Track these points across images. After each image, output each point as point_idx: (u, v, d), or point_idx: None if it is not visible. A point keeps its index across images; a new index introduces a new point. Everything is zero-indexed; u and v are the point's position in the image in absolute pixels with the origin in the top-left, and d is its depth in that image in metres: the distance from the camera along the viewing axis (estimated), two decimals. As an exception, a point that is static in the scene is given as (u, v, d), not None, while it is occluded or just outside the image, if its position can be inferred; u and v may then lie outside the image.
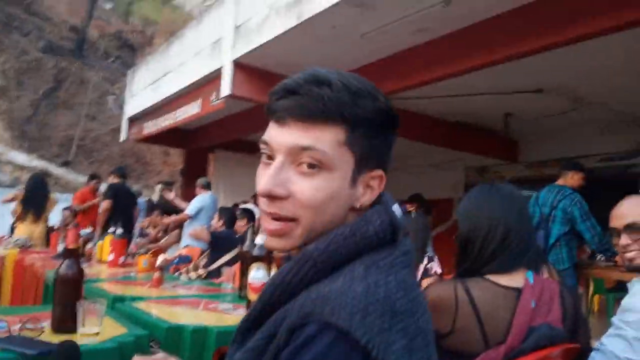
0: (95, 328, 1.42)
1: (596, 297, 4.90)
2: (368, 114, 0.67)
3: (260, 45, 4.83)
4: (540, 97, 5.76)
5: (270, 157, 0.69)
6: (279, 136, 0.67)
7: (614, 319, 1.41)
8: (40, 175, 6.25)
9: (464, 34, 4.15)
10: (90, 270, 2.95)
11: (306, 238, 0.67)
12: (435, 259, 2.76)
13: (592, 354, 1.38)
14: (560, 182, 3.80)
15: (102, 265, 3.28)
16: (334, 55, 4.85)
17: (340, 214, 0.68)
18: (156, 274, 2.44)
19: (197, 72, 6.36)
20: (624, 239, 1.51)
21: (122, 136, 9.49)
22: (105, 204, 5.77)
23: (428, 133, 7.07)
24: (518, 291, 1.18)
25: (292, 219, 0.67)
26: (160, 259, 2.63)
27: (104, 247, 3.41)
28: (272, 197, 0.66)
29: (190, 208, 5.15)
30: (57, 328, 1.50)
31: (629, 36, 3.62)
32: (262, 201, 0.68)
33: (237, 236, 3.84)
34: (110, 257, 3.15)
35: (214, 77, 5.85)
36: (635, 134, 6.68)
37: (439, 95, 5.78)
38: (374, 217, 0.68)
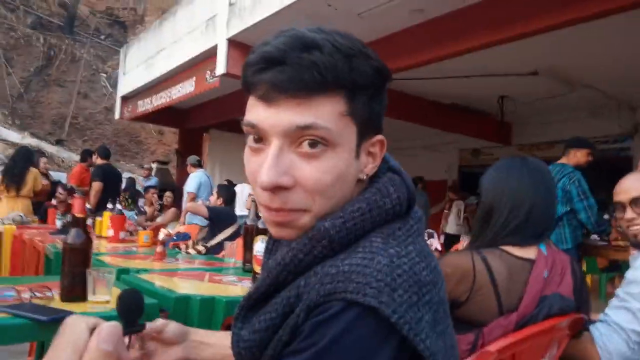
0: (105, 296, 1.44)
1: (589, 277, 4.99)
2: (366, 77, 0.60)
3: (255, 23, 4.79)
4: (534, 80, 5.79)
5: (260, 140, 0.60)
6: (270, 117, 0.58)
7: (619, 291, 1.44)
8: (25, 148, 6.04)
9: (460, 15, 4.15)
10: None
11: (316, 222, 0.61)
12: (435, 235, 2.84)
13: (597, 325, 1.41)
14: (562, 160, 3.75)
15: (102, 240, 3.29)
16: (333, 34, 4.83)
17: (347, 191, 0.62)
18: (159, 248, 2.46)
19: (191, 50, 6.30)
20: (629, 213, 1.53)
21: (116, 114, 9.42)
22: (96, 186, 5.77)
23: (423, 115, 7.09)
24: (531, 262, 1.20)
25: (300, 210, 0.60)
26: (162, 233, 2.65)
27: (103, 223, 3.42)
28: (276, 189, 0.58)
29: (191, 185, 5.19)
30: (65, 296, 1.51)
31: (623, 20, 3.65)
32: (263, 195, 0.60)
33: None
34: (110, 232, 3.16)
35: (208, 56, 5.81)
36: (627, 117, 6.76)
37: (434, 77, 5.78)
38: (390, 190, 0.63)
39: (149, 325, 0.87)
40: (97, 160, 6.19)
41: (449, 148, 9.08)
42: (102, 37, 17.28)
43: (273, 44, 0.58)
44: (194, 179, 5.32)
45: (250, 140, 0.62)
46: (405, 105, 6.82)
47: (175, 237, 3.78)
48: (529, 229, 1.23)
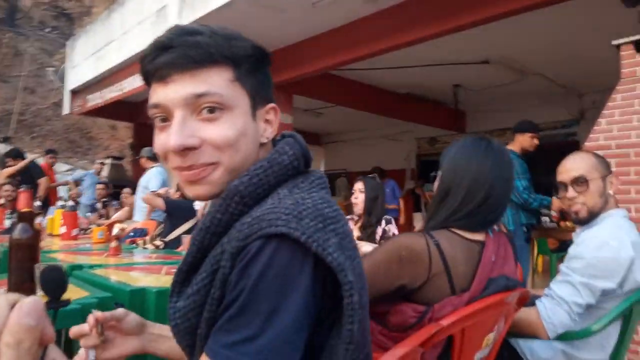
0: (56, 291, 1.40)
1: (540, 258, 5.19)
2: (246, 51, 0.70)
3: (208, 13, 4.69)
4: (486, 69, 5.96)
5: (165, 120, 0.69)
6: (169, 93, 0.67)
7: (562, 266, 1.51)
8: None
9: (413, 5, 4.21)
10: (42, 243, 2.85)
11: (227, 181, 0.69)
12: (393, 221, 2.90)
13: (542, 299, 1.48)
14: (509, 146, 3.78)
15: (55, 238, 3.17)
16: (284, 25, 4.80)
17: (252, 150, 0.71)
18: (113, 243, 2.39)
19: (142, 41, 6.12)
20: (571, 192, 1.60)
21: (65, 109, 9.05)
22: (45, 182, 5.84)
23: (379, 104, 7.17)
24: (481, 244, 1.21)
25: (211, 164, 0.68)
26: (117, 228, 2.58)
27: (55, 221, 3.30)
28: (185, 150, 0.66)
29: (155, 182, 4.72)
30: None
31: (569, 9, 3.79)
32: (174, 159, 0.68)
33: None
34: (63, 229, 3.05)
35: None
36: (574, 104, 7.05)
37: (390, 67, 5.86)
38: (286, 148, 0.72)
39: (110, 313, 0.86)
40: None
41: (406, 137, 9.23)
42: (48, 29, 16.53)
43: (162, 36, 0.68)
44: (157, 175, 4.82)
45: (157, 122, 0.70)
46: (362, 95, 6.89)
47: (132, 234, 3.69)
48: (481, 215, 1.22)
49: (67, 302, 0.74)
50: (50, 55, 15.66)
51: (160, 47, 0.67)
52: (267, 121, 0.75)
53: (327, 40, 5.00)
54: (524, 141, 3.74)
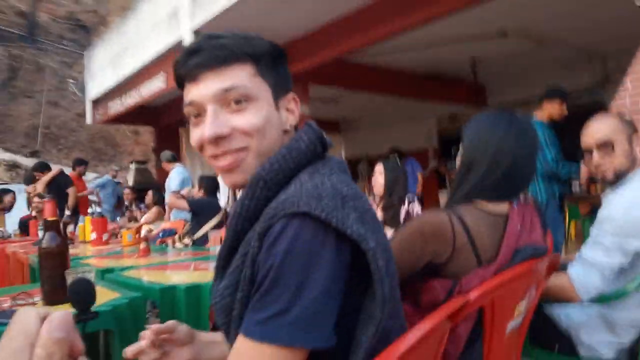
0: (88, 295, 1.43)
1: (572, 223, 5.08)
2: (265, 49, 0.78)
3: (220, 13, 4.71)
4: (504, 41, 5.81)
5: (199, 115, 0.77)
6: (201, 91, 0.75)
7: (592, 229, 1.48)
8: None
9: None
10: (75, 250, 2.93)
11: (258, 165, 0.75)
12: (416, 200, 2.87)
13: (573, 263, 1.46)
14: (536, 114, 3.67)
15: (87, 245, 3.25)
16: (295, 16, 4.78)
17: (277, 136, 0.79)
18: (142, 245, 2.44)
19: (157, 45, 6.19)
20: (596, 156, 1.56)
21: (88, 119, 9.25)
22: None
23: (396, 86, 7.09)
24: (505, 217, 1.20)
25: (242, 148, 0.76)
26: (145, 230, 2.62)
27: (85, 228, 3.38)
28: (218, 139, 0.75)
29: (174, 183, 4.87)
30: (48, 300, 1.49)
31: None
32: (210, 148, 0.76)
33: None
34: (93, 235, 3.12)
35: (176, 49, 5.70)
36: (597, 69, 6.82)
37: (405, 47, 5.77)
38: (302, 135, 0.78)
39: (164, 325, 0.87)
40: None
41: (427, 116, 9.11)
42: (66, 42, 16.87)
43: (191, 44, 0.78)
44: (177, 175, 4.99)
45: (191, 119, 0.78)
46: (381, 79, 6.82)
47: (161, 234, 3.75)
48: (506, 186, 1.20)
49: (96, 314, 0.75)
50: (70, 67, 16.00)
51: (191, 52, 0.76)
52: (288, 110, 0.82)
53: (340, 26, 4.96)
54: (552, 109, 3.59)
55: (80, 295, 0.73)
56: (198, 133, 0.77)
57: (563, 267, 1.43)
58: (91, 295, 0.75)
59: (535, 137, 1.27)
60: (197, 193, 3.99)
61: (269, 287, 0.63)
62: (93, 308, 1.39)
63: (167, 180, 5.00)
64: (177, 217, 4.70)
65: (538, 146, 1.33)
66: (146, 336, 0.85)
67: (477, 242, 1.14)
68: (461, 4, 4.01)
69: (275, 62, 0.80)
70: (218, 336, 0.92)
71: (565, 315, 1.53)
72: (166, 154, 5.14)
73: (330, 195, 0.67)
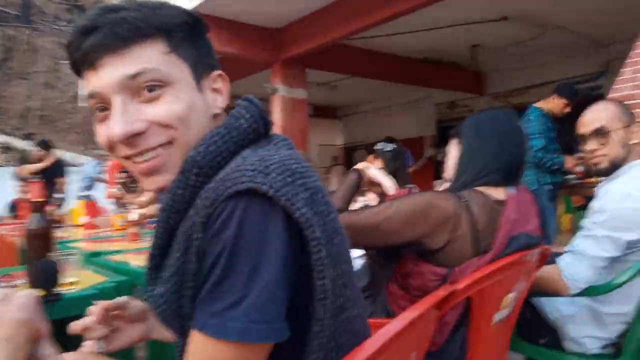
0: (72, 278, 1.41)
1: (565, 216, 5.08)
2: (177, 19, 0.65)
3: (216, -6, 4.62)
4: (504, 26, 5.74)
5: (104, 109, 0.64)
6: (103, 79, 0.62)
7: (584, 222, 1.45)
8: None
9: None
10: (64, 233, 2.91)
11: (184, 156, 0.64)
12: (417, 190, 2.83)
13: (563, 255, 1.44)
14: (539, 102, 3.69)
15: (77, 228, 3.23)
16: (293, -4, 4.70)
17: (205, 123, 0.67)
18: (131, 229, 2.41)
19: (76, 24, 6.07)
20: (591, 144, 1.54)
21: (82, 102, 9.18)
22: (62, 182, 5.99)
23: (395, 72, 7.02)
24: (502, 203, 1.22)
25: (164, 144, 0.64)
26: (135, 214, 2.60)
27: (77, 211, 3.36)
28: (132, 136, 0.63)
29: None
30: (34, 284, 1.48)
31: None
32: (122, 148, 0.64)
33: None
34: (83, 219, 3.10)
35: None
36: (598, 56, 6.77)
37: (404, 31, 5.70)
38: (242, 112, 0.68)
39: (115, 301, 0.85)
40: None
41: (425, 103, 9.05)
42: (62, 23, 16.69)
43: (84, 18, 0.63)
44: None
45: (97, 113, 0.65)
46: (378, 64, 6.75)
47: (155, 220, 3.72)
48: (507, 172, 1.27)
49: (59, 295, 0.73)
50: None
51: (84, 30, 0.62)
52: (215, 90, 0.70)
53: (337, 9, 4.88)
54: (556, 105, 3.63)
55: (43, 277, 0.71)
56: (105, 130, 0.64)
57: (554, 260, 1.41)
58: (54, 278, 0.72)
59: (523, 131, 1.38)
60: None
61: (221, 276, 0.55)
62: (79, 288, 1.37)
63: None
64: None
65: (526, 139, 1.40)
66: (94, 312, 0.80)
67: (480, 232, 1.15)
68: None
69: (192, 35, 0.68)
70: None
71: (554, 308, 1.52)
72: None
73: (279, 170, 0.58)
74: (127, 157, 0.65)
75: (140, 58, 0.62)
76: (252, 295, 0.55)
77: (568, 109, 3.62)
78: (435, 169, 8.44)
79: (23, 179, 5.56)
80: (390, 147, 2.94)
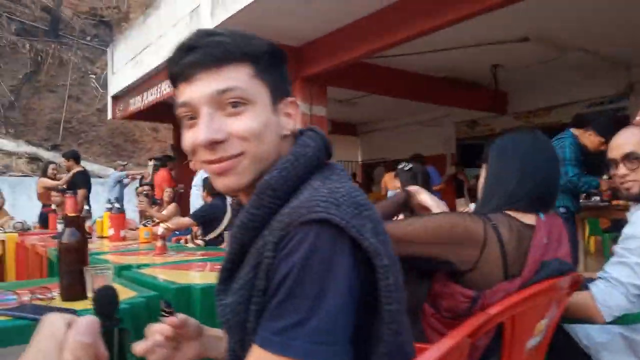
0: (105, 292, 1.44)
1: (592, 238, 4.98)
2: (264, 49, 0.74)
3: (241, 10, 4.71)
4: (526, 47, 5.73)
5: (192, 118, 0.72)
6: (195, 91, 0.71)
7: (616, 248, 1.43)
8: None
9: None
10: (92, 245, 2.97)
11: (254, 171, 0.72)
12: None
13: (596, 282, 1.41)
14: (575, 130, 3.49)
15: (104, 240, 3.29)
16: (315, 17, 4.77)
17: (275, 142, 0.74)
18: (158, 243, 2.46)
19: (178, 43, 6.22)
20: (622, 169, 1.53)
21: (109, 115, 9.37)
22: (83, 193, 6.05)
23: (415, 90, 7.03)
24: (532, 228, 1.20)
25: (238, 154, 0.71)
26: (161, 228, 2.64)
27: (104, 223, 3.42)
28: (213, 144, 0.70)
29: (198, 181, 4.90)
30: (66, 296, 1.51)
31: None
32: (204, 153, 0.72)
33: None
34: (111, 231, 3.15)
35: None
36: (621, 77, 6.71)
37: (425, 51, 5.73)
38: (308, 141, 0.75)
39: (174, 319, 0.86)
40: (73, 166, 6.44)
41: (445, 122, 9.04)
42: (88, 38, 17.12)
43: (185, 39, 0.73)
44: (201, 173, 4.97)
45: (185, 121, 0.74)
46: (398, 82, 6.78)
47: (177, 232, 3.77)
48: (536, 198, 1.24)
49: (119, 320, 0.75)
50: (92, 63, 16.22)
51: (185, 48, 0.72)
52: (287, 114, 0.78)
53: (359, 28, 4.93)
54: (592, 142, 3.42)
55: (105, 302, 0.73)
56: (191, 136, 0.73)
57: (584, 285, 1.39)
58: (115, 303, 0.75)
59: (555, 153, 1.35)
60: (206, 197, 3.94)
61: (286, 296, 0.60)
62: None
63: (196, 178, 5.04)
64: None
65: (559, 162, 1.38)
66: (158, 330, 0.82)
67: (508, 254, 1.14)
68: (483, 8, 3.96)
69: (274, 64, 0.76)
70: (221, 332, 0.88)
71: (586, 335, 1.49)
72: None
73: (347, 203, 0.65)
74: (207, 162, 0.73)
75: (229, 77, 0.71)
76: (316, 318, 0.58)
77: (603, 147, 3.44)
78: (457, 187, 8.40)
79: (48, 189, 5.69)
80: (408, 166, 2.93)
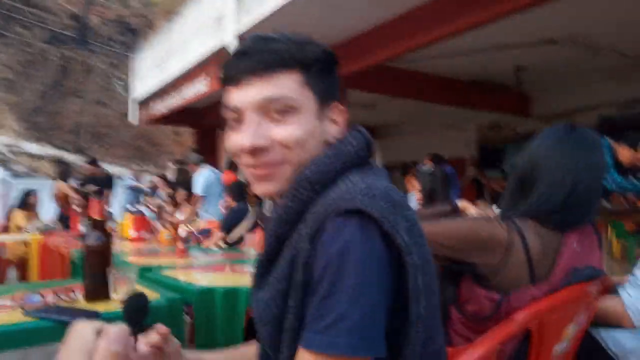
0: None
1: (616, 241, 4.84)
2: (316, 56, 0.73)
3: (265, 18, 4.73)
4: (553, 49, 5.62)
5: (238, 121, 0.73)
6: (246, 95, 0.71)
7: None
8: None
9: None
10: (114, 246, 3.00)
11: (295, 176, 0.71)
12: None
13: (625, 286, 1.37)
14: (613, 142, 3.31)
15: (125, 241, 3.33)
16: (339, 21, 4.77)
17: (318, 149, 0.73)
18: (180, 245, 2.47)
19: (201, 49, 6.29)
20: None
21: (132, 119, 9.52)
22: (107, 195, 6.19)
23: (438, 93, 6.97)
24: (561, 234, 1.15)
25: (280, 161, 0.71)
26: (183, 230, 2.66)
27: (125, 225, 3.46)
28: (257, 150, 0.70)
29: (198, 186, 4.96)
30: (89, 297, 1.53)
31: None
32: (246, 157, 0.72)
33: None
34: (133, 233, 3.19)
35: (219, 54, 5.79)
36: (653, 79, 6.52)
37: (448, 53, 5.67)
38: (350, 139, 0.75)
39: (164, 329, 0.80)
40: (95, 171, 6.59)
41: (467, 124, 8.92)
42: (115, 45, 17.48)
43: (241, 44, 0.74)
44: (200, 179, 5.02)
45: (230, 123, 0.74)
46: (421, 84, 6.72)
47: (196, 234, 3.79)
48: (567, 212, 1.13)
49: (149, 326, 0.74)
50: (118, 68, 16.56)
51: (240, 54, 0.72)
52: (332, 121, 0.77)
53: (383, 32, 4.91)
54: (628, 157, 3.26)
55: (135, 309, 0.73)
56: (236, 140, 0.73)
57: (616, 290, 1.35)
58: (145, 310, 0.74)
59: (599, 153, 1.20)
60: (231, 202, 3.95)
61: (327, 292, 0.59)
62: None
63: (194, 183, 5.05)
64: (204, 217, 4.77)
65: (602, 163, 1.23)
66: (148, 341, 0.71)
67: (534, 259, 1.11)
68: (509, 10, 3.90)
69: (325, 70, 0.75)
70: (210, 356, 0.84)
71: (614, 341, 1.45)
72: (194, 157, 5.20)
73: (384, 199, 0.64)
74: (248, 166, 0.73)
75: (279, 85, 0.70)
76: (357, 312, 0.58)
77: (638, 162, 3.32)
78: (478, 189, 8.28)
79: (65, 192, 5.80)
80: (428, 169, 2.89)
